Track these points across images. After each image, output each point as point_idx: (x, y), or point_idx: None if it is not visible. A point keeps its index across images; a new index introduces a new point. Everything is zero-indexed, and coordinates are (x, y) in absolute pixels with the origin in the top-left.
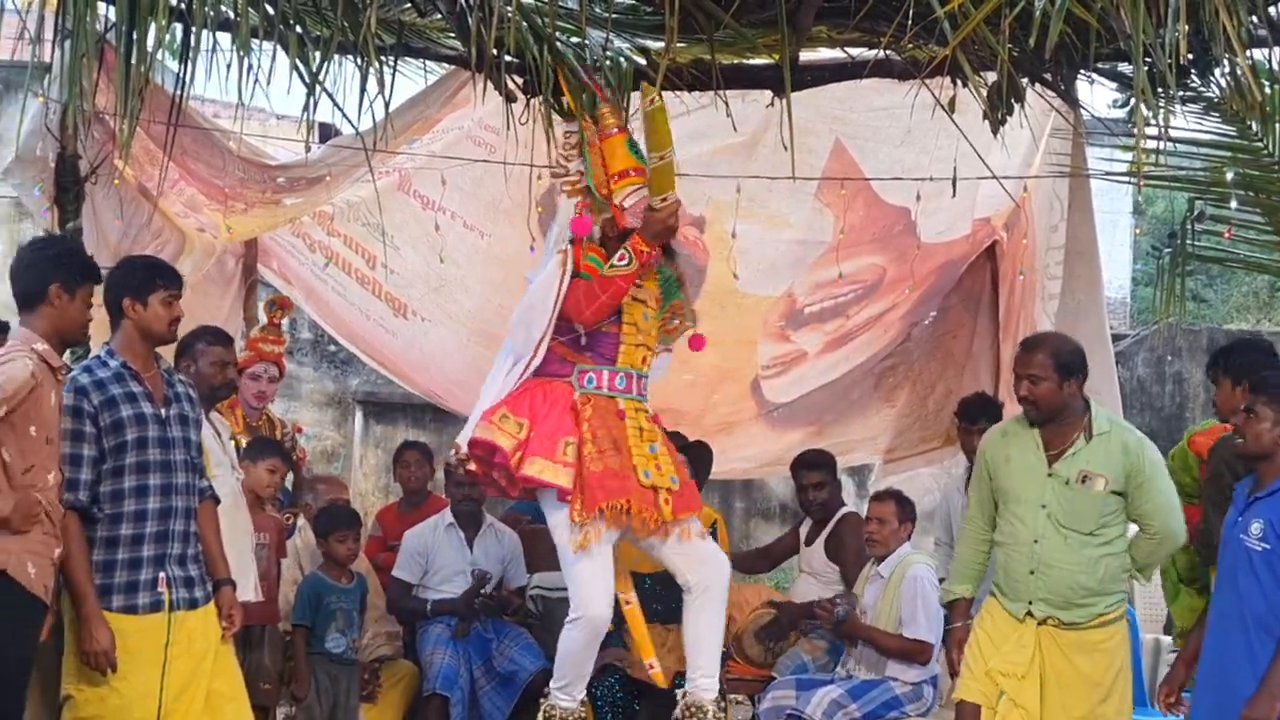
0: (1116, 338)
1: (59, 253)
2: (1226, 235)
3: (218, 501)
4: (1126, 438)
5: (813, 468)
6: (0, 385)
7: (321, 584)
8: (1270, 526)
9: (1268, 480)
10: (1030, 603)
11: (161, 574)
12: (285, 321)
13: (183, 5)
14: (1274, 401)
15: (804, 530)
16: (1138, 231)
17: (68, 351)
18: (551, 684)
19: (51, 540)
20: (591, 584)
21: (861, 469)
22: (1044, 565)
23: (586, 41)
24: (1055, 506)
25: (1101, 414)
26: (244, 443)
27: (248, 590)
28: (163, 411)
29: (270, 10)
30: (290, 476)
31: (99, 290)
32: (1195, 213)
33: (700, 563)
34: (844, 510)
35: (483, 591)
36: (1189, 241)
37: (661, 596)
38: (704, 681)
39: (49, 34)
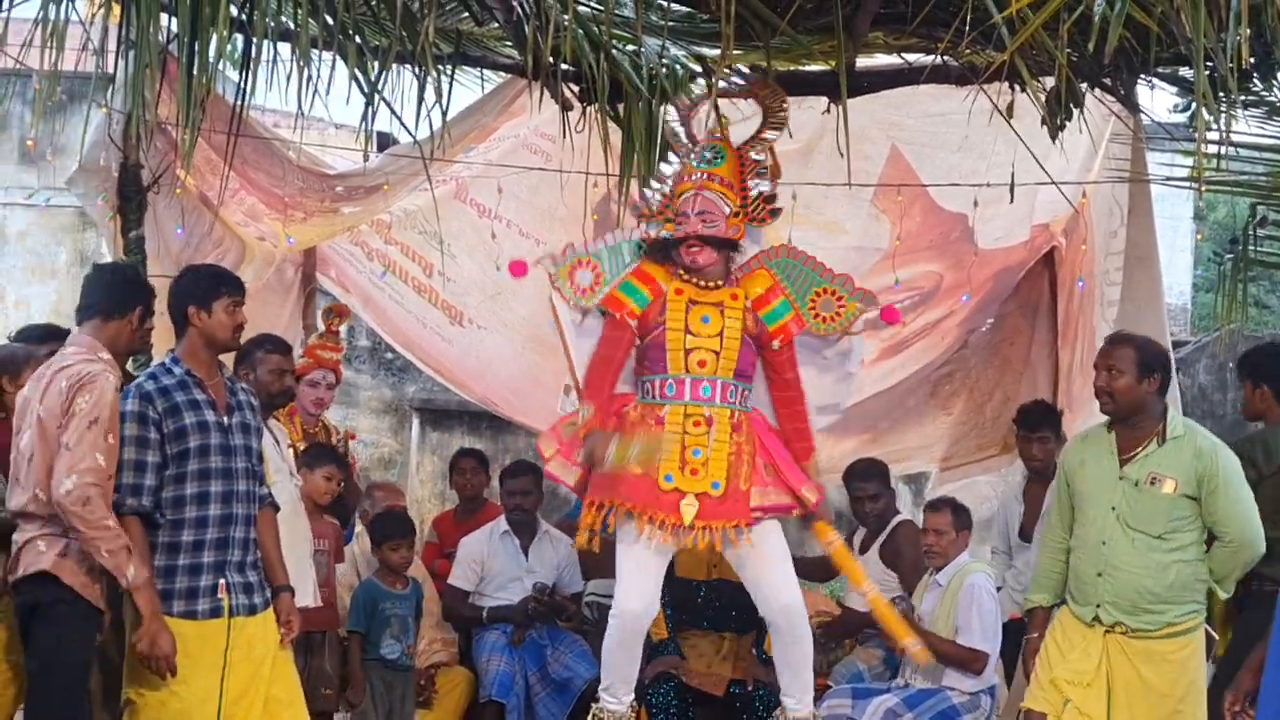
0: (1177, 344)
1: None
2: None
3: (277, 509)
4: (1200, 442)
5: (866, 478)
6: (96, 403)
7: (376, 590)
8: None
9: None
10: (1098, 606)
11: (222, 580)
12: (343, 328)
13: (244, 16)
14: None
15: (858, 539)
16: (1199, 237)
17: (130, 360)
18: (600, 687)
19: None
20: (626, 580)
21: (918, 477)
22: (1111, 567)
23: (642, 49)
24: (1124, 508)
25: (1178, 419)
26: (300, 449)
27: (306, 596)
28: (225, 419)
29: (330, 20)
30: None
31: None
32: (1257, 218)
33: (765, 600)
34: (899, 519)
35: (542, 598)
36: (1251, 247)
37: (713, 604)
38: (789, 703)
39: (112, 45)
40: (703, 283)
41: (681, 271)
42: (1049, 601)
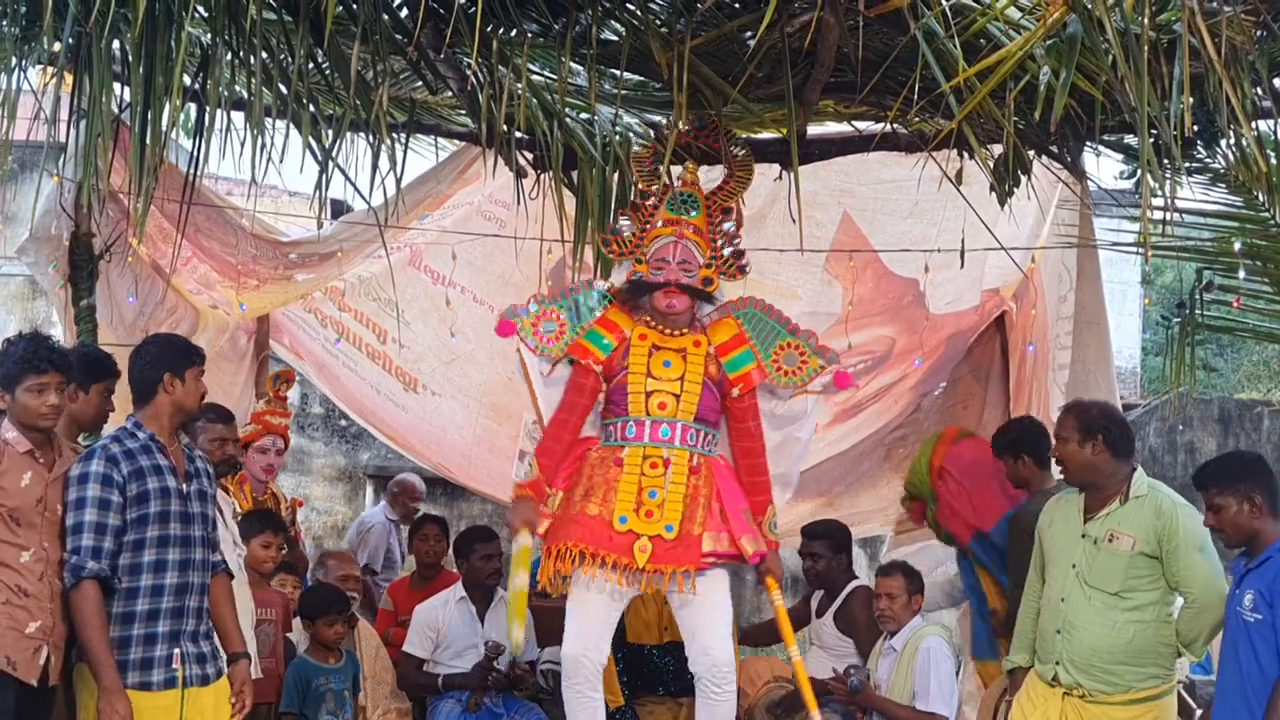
0: (1127, 407)
1: (6, 351)
2: (1235, 305)
3: (231, 576)
4: (1162, 502)
5: (812, 537)
6: None
7: (308, 667)
8: (1260, 596)
9: (1255, 553)
10: (1057, 664)
11: (176, 650)
12: (295, 394)
13: (197, 85)
14: (1225, 487)
15: (815, 602)
16: (1147, 301)
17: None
18: None
19: (22, 614)
20: (569, 625)
21: (874, 540)
22: (1069, 624)
23: (596, 117)
24: (1084, 565)
25: (1143, 479)
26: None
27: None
28: (185, 486)
29: (284, 89)
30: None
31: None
32: (1204, 282)
33: (698, 651)
34: (854, 584)
35: (496, 666)
36: (1198, 311)
37: (669, 669)
38: None
39: (64, 114)
40: (666, 329)
41: (647, 317)
42: (1027, 662)
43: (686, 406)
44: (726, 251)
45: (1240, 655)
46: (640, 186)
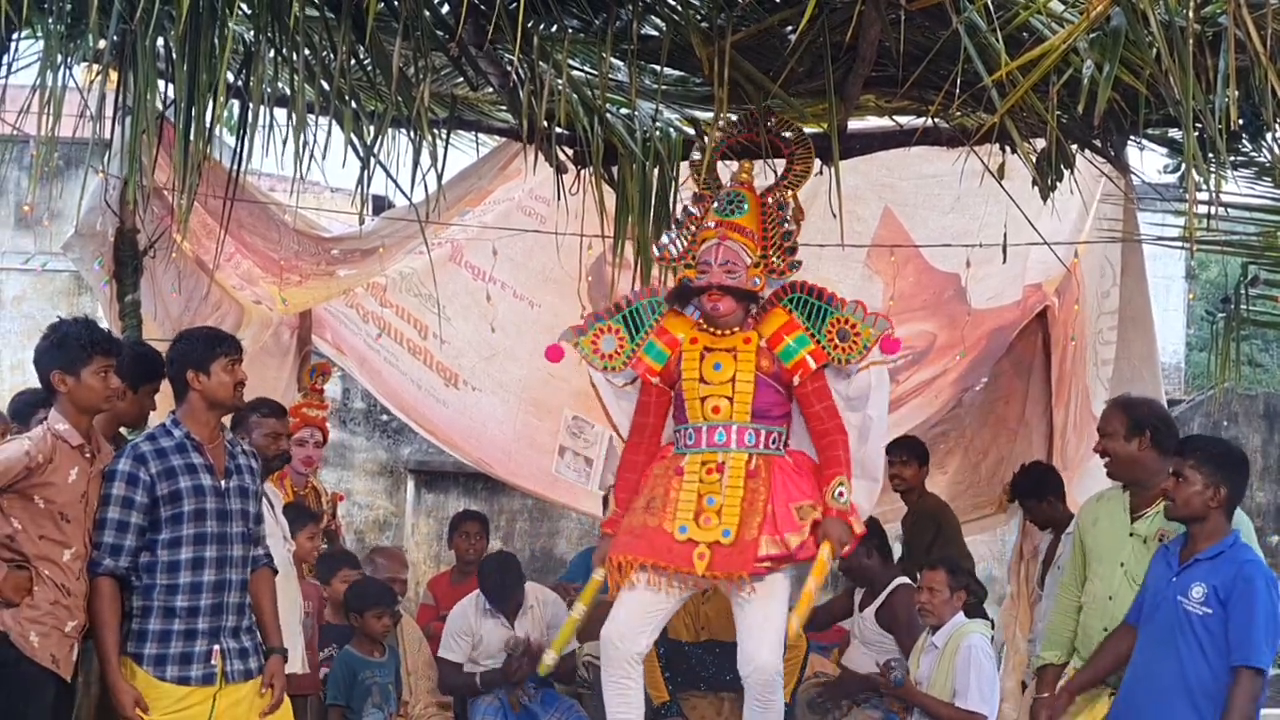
0: (1172, 403)
1: (56, 339)
2: None
3: (275, 571)
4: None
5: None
6: None
7: (355, 660)
8: (1214, 591)
9: (1202, 542)
10: None
11: (216, 646)
12: (336, 389)
13: (240, 82)
14: (1203, 464)
15: (857, 597)
16: (1191, 296)
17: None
18: None
19: (64, 613)
20: (615, 611)
21: None
22: (1116, 622)
23: (636, 113)
24: (1132, 564)
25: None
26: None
27: (295, 663)
28: (223, 483)
29: (326, 86)
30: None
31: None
32: (1249, 277)
33: (746, 655)
34: (897, 581)
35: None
36: (1243, 306)
37: (708, 666)
38: None
39: (109, 111)
40: (717, 330)
41: (700, 320)
42: (1060, 659)
43: (740, 407)
44: (775, 251)
45: (1181, 647)
46: (699, 190)
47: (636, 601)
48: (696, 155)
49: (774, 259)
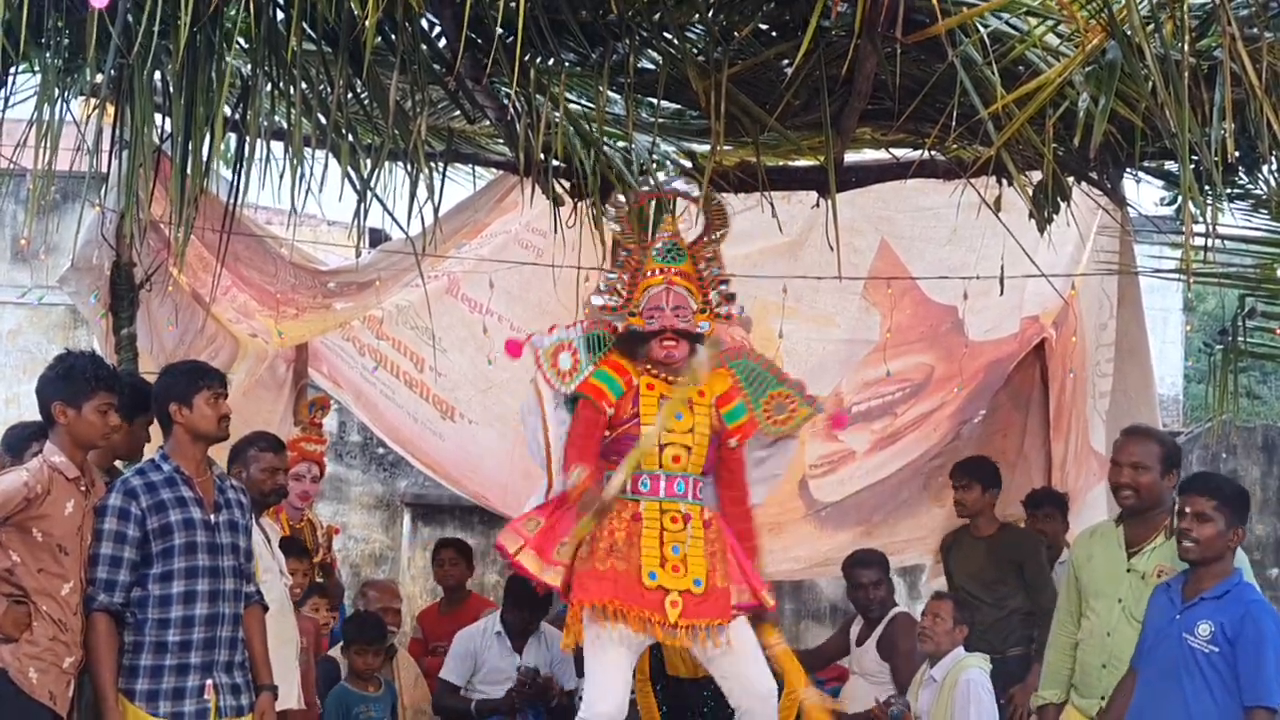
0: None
1: (62, 370)
2: (1278, 332)
3: (265, 608)
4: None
5: (867, 565)
6: None
7: (349, 696)
8: (1221, 629)
9: (1208, 581)
10: (1102, 698)
11: (209, 681)
12: (333, 422)
13: (237, 116)
14: (1224, 506)
15: (855, 630)
16: (1188, 328)
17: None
18: None
19: (61, 648)
20: (597, 681)
21: (913, 569)
22: (1115, 659)
23: (633, 146)
24: (1130, 600)
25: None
26: None
27: (290, 699)
28: (212, 517)
29: (322, 119)
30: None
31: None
32: (1246, 309)
33: (744, 691)
34: (896, 611)
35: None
36: (1240, 338)
37: (709, 702)
38: None
39: (106, 144)
40: (671, 378)
41: (649, 366)
42: (1059, 698)
43: (697, 459)
44: (714, 295)
45: (1186, 686)
46: (628, 245)
47: (612, 668)
48: (621, 198)
49: (713, 298)
